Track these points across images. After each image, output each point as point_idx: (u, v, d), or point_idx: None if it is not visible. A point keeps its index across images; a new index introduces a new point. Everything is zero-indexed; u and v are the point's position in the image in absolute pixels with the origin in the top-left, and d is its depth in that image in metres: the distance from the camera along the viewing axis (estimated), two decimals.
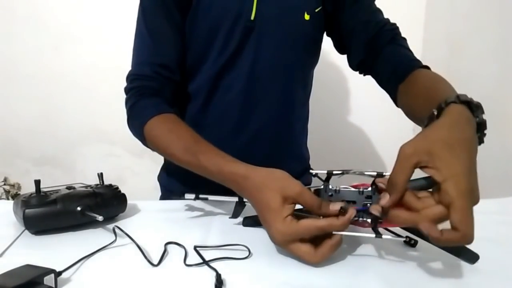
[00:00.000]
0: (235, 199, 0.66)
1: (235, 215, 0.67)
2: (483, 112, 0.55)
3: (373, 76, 0.90)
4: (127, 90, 0.85)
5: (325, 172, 0.60)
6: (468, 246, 0.56)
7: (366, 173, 0.57)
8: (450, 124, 0.52)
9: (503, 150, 1.21)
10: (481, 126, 0.54)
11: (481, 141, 0.55)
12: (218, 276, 0.50)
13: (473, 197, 0.47)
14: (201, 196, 0.70)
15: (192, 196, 0.70)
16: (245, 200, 0.64)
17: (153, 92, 0.83)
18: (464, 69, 1.37)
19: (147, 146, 0.82)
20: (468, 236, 0.46)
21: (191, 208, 0.78)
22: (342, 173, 0.58)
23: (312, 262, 0.54)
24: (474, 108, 0.54)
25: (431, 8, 1.70)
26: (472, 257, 0.56)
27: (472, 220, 0.46)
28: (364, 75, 0.93)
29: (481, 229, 0.67)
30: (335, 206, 0.54)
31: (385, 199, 0.50)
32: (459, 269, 0.55)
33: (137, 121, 0.81)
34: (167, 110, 0.80)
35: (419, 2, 1.73)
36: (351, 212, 0.53)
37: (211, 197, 0.69)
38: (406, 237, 0.60)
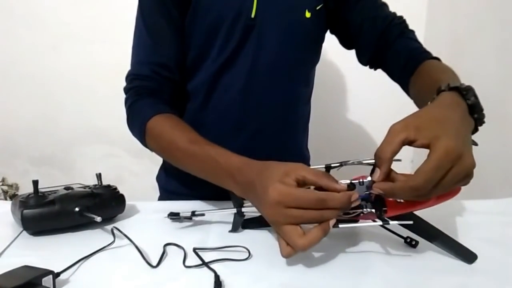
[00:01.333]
0: (233, 210, 0.65)
1: (234, 227, 0.66)
2: (474, 95, 0.57)
3: (384, 70, 0.91)
4: (126, 90, 0.84)
5: (323, 166, 0.59)
6: (468, 246, 0.57)
7: (364, 161, 0.56)
8: (438, 106, 0.56)
9: (503, 150, 1.20)
10: (474, 108, 0.56)
11: (481, 122, 0.58)
12: (217, 278, 0.50)
13: (461, 161, 0.49)
14: (197, 212, 0.68)
15: (188, 213, 0.69)
16: (243, 210, 0.63)
17: (151, 92, 0.82)
18: (465, 68, 1.35)
19: (146, 146, 0.82)
20: (414, 185, 0.48)
21: (188, 209, 0.78)
22: (341, 165, 0.58)
23: (298, 243, 0.51)
24: (464, 92, 0.57)
25: (432, 7, 1.70)
26: (470, 257, 0.56)
27: (432, 178, 0.48)
28: (375, 69, 0.94)
29: (482, 229, 0.68)
30: (343, 184, 0.54)
31: (376, 173, 0.52)
32: (459, 270, 0.55)
33: (137, 121, 0.80)
34: (166, 110, 0.80)
35: (420, 1, 1.73)
36: (356, 194, 0.53)
37: (207, 212, 0.68)
38: (407, 237, 0.60)
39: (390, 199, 0.54)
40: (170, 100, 0.85)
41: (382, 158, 0.51)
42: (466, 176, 0.50)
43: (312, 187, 0.54)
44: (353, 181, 0.55)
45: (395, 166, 0.54)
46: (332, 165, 0.58)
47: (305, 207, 0.51)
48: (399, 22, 0.89)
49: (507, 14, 1.22)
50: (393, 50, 0.86)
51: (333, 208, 0.52)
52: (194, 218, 0.69)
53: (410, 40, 0.87)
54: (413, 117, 0.53)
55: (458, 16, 1.51)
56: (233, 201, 0.65)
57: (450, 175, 0.48)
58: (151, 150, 0.82)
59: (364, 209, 0.54)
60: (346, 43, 0.96)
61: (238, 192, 0.63)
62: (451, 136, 0.49)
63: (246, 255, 0.57)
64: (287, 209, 0.52)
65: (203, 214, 0.68)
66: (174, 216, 0.70)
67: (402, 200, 0.53)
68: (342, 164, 0.58)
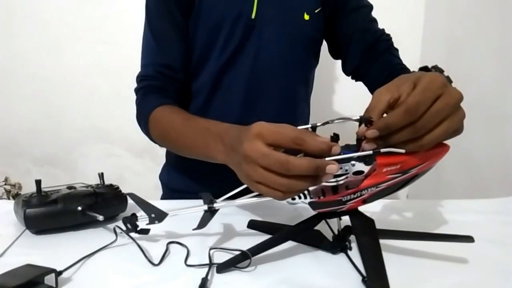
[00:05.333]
0: (204, 207, 0.61)
1: (201, 224, 0.60)
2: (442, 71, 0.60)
3: (365, 83, 0.94)
4: (136, 91, 0.89)
5: (310, 126, 0.55)
6: (467, 245, 0.57)
7: (349, 118, 0.53)
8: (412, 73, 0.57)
9: (503, 150, 1.21)
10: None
11: None
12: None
13: (449, 89, 0.49)
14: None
15: (146, 219, 0.62)
16: (215, 206, 0.60)
17: (156, 90, 0.86)
18: (463, 69, 1.37)
19: (151, 139, 0.84)
20: (407, 107, 0.47)
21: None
22: (327, 122, 0.54)
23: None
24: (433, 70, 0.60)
25: (430, 8, 1.70)
26: (467, 238, 0.56)
27: (423, 99, 0.47)
28: (356, 81, 0.97)
29: (481, 229, 0.68)
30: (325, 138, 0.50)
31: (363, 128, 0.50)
32: (457, 268, 0.55)
33: (142, 115, 0.84)
34: (169, 102, 0.83)
35: (418, 1, 1.73)
36: (338, 146, 0.49)
37: (173, 213, 0.63)
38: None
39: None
40: (175, 97, 0.87)
41: (371, 111, 0.51)
42: (455, 107, 0.49)
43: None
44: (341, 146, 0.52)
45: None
46: (318, 124, 0.55)
47: (282, 144, 0.50)
48: (387, 39, 0.92)
49: (505, 14, 1.22)
50: (378, 64, 0.88)
51: (311, 153, 0.49)
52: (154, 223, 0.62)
53: (394, 57, 0.89)
54: (392, 82, 0.53)
55: (456, 17, 1.51)
56: (203, 199, 0.62)
57: (440, 103, 0.48)
58: (156, 141, 0.85)
59: (352, 163, 0.50)
60: (334, 52, 0.99)
61: (222, 155, 0.61)
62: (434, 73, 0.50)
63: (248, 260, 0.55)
64: (265, 146, 0.50)
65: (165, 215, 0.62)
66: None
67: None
68: (328, 122, 0.54)
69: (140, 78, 0.88)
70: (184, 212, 0.61)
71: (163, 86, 0.86)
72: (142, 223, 0.62)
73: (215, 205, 0.60)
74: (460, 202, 0.82)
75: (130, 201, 0.74)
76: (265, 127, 0.51)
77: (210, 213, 0.60)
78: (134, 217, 0.62)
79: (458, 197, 0.77)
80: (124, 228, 0.62)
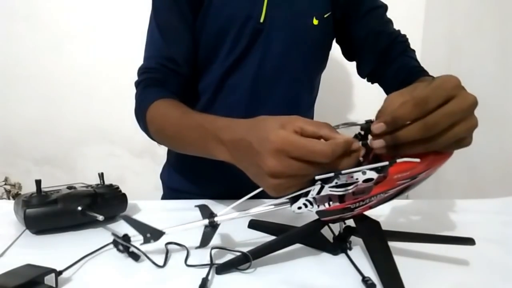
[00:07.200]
0: (204, 222, 0.57)
1: (204, 242, 0.57)
2: None
3: (381, 85, 0.92)
4: (136, 84, 0.86)
5: None
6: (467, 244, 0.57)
7: (357, 123, 0.53)
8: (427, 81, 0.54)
9: (503, 150, 1.21)
10: None
11: None
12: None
13: (464, 91, 0.48)
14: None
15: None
16: (216, 219, 0.56)
17: (157, 83, 0.84)
18: (463, 69, 1.37)
19: (149, 134, 0.82)
20: (419, 96, 0.46)
21: (192, 208, 0.78)
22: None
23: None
24: None
25: (430, 8, 1.70)
26: (468, 240, 0.56)
27: (436, 94, 0.46)
28: (372, 83, 0.95)
29: (480, 228, 0.68)
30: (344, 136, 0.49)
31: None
32: (458, 268, 0.55)
33: (141, 109, 0.81)
34: (168, 96, 0.80)
35: (418, 2, 1.73)
36: (358, 143, 0.49)
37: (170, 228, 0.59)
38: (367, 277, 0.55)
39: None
40: (176, 92, 0.84)
41: (382, 112, 0.50)
42: (469, 111, 0.47)
43: None
44: None
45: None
46: None
47: (308, 159, 0.47)
48: (403, 40, 0.90)
49: (506, 14, 1.22)
50: (394, 66, 0.87)
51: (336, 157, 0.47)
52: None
53: (411, 59, 0.88)
54: (406, 87, 0.52)
55: (456, 17, 1.51)
56: (201, 213, 0.60)
57: (453, 104, 0.46)
58: (153, 137, 0.82)
59: (363, 171, 0.49)
60: (349, 55, 0.98)
61: (226, 155, 0.58)
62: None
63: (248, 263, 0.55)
64: (289, 159, 0.47)
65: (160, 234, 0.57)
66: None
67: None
68: (334, 127, 0.54)
69: (141, 71, 0.86)
70: (183, 229, 0.58)
71: (164, 79, 0.84)
72: (138, 241, 0.58)
73: (216, 218, 0.56)
74: (460, 202, 0.82)
75: (130, 201, 0.74)
76: (287, 141, 0.47)
77: (212, 228, 0.56)
78: (126, 238, 0.58)
79: (458, 197, 0.77)
80: (123, 228, 0.62)
